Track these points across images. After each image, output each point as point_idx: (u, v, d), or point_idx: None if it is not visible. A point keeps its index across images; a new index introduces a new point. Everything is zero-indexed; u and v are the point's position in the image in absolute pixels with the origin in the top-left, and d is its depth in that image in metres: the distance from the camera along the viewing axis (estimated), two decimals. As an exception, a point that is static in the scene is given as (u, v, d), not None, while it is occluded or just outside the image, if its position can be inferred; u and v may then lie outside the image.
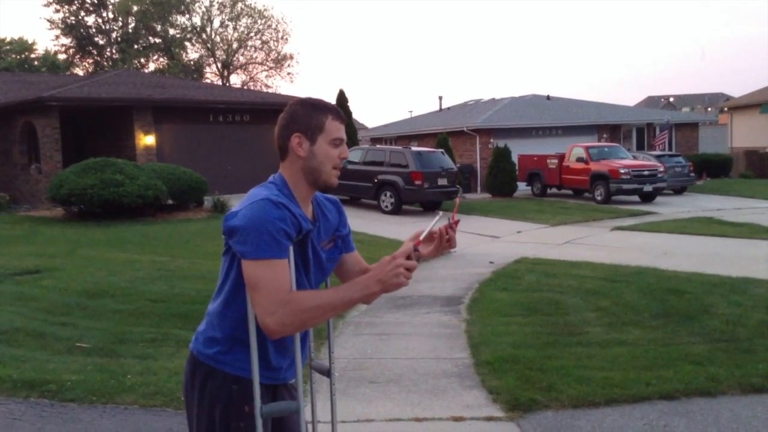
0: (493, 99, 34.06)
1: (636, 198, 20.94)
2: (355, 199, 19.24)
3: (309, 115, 2.13)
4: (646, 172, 20.72)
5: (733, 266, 9.84)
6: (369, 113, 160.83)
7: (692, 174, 23.87)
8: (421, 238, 2.14)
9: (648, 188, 20.46)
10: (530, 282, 8.89)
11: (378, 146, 24.20)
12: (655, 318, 6.87)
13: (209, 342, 2.15)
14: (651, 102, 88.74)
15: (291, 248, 2.03)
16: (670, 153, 25.28)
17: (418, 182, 17.43)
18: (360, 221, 15.19)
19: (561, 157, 22.54)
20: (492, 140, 26.49)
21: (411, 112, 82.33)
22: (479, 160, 27.10)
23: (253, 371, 2.05)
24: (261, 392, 2.06)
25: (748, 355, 5.59)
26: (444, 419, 4.43)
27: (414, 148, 19.39)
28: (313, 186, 2.16)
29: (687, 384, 4.91)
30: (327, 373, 2.38)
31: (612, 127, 30.03)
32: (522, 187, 23.66)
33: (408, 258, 2.01)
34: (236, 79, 51.03)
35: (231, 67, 50.19)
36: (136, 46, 48.19)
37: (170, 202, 17.52)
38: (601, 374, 5.12)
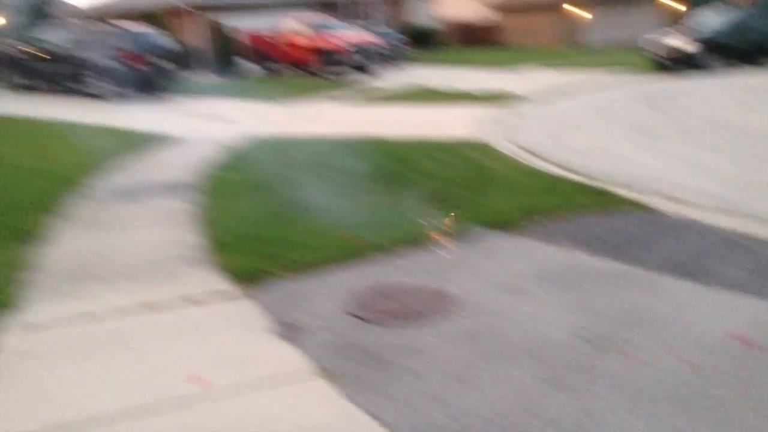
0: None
1: (359, 72, 21.63)
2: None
3: None
4: (368, 47, 21.33)
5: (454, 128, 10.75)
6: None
7: (405, 46, 25.42)
8: None
9: (370, 62, 21.15)
10: (263, 161, 8.81)
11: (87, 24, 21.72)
12: (380, 181, 7.23)
13: None
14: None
15: None
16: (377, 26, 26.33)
17: (134, 64, 16.07)
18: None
19: (288, 34, 22.22)
20: (208, 17, 25.10)
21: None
22: (201, 40, 25.64)
23: None
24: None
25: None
26: (177, 303, 4.27)
27: (127, 27, 17.76)
28: None
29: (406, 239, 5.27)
30: None
31: (324, 4, 29.84)
32: (249, 65, 23.10)
33: None
34: None
35: None
36: None
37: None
38: (330, 239, 5.30)
